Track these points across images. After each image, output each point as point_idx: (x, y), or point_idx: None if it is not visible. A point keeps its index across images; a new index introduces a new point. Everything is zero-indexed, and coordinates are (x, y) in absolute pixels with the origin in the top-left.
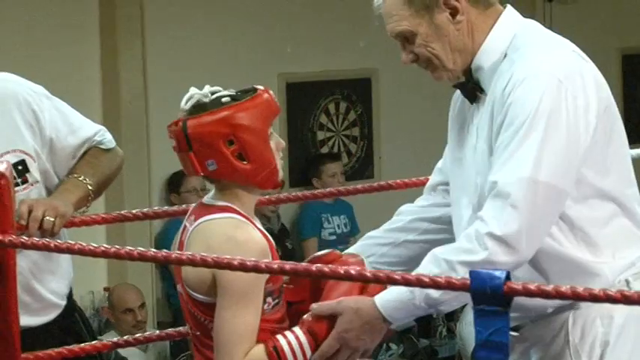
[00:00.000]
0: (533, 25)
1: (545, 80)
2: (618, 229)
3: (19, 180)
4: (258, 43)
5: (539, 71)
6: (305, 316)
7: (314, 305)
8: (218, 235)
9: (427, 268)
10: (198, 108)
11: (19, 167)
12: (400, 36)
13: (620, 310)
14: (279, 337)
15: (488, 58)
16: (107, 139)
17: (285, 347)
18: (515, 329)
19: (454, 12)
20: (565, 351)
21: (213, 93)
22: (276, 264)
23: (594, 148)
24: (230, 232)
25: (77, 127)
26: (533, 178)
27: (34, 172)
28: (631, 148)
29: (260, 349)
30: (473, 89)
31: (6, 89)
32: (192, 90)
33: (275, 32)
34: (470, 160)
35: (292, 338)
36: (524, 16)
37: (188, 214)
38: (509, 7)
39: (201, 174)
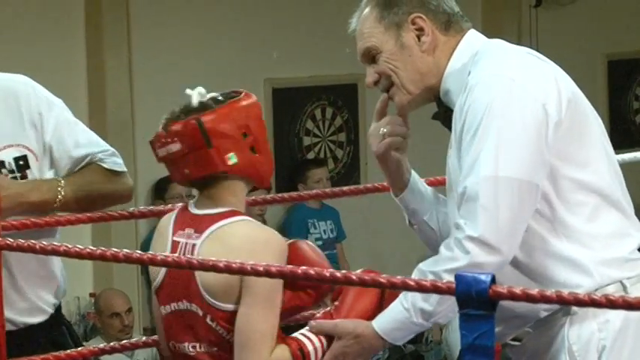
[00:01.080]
0: (496, 42)
1: (496, 81)
2: (605, 222)
3: (17, 175)
4: (245, 48)
5: (490, 74)
6: (322, 313)
7: (312, 323)
8: (240, 236)
9: None
10: (206, 105)
11: (21, 162)
12: (366, 54)
13: (617, 314)
14: (303, 339)
15: (453, 81)
16: (112, 160)
17: (311, 349)
18: (516, 339)
19: (420, 33)
20: (562, 356)
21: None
22: (261, 267)
23: (564, 140)
24: (252, 233)
25: (83, 144)
26: (495, 175)
27: (35, 170)
28: (618, 153)
29: (284, 349)
30: (447, 116)
31: (19, 89)
32: (190, 90)
33: (261, 38)
34: (448, 170)
35: (316, 342)
36: (511, 22)
37: (172, 226)
38: (472, 29)
39: (220, 171)
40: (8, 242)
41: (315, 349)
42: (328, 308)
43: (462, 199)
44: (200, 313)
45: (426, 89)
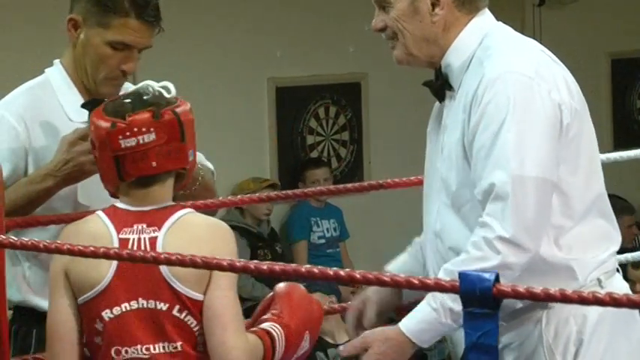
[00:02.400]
0: (504, 28)
1: (517, 79)
2: (591, 226)
3: None
4: (248, 47)
5: (510, 70)
6: (267, 315)
7: (341, 348)
8: (201, 226)
9: None
10: (169, 99)
11: None
12: (378, 1)
13: (594, 308)
14: (267, 327)
15: (457, 56)
16: None
17: (279, 335)
18: None
19: (436, 3)
20: (539, 350)
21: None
22: (265, 265)
23: (569, 144)
24: (211, 222)
25: None
26: (523, 175)
27: None
28: (621, 151)
29: (251, 334)
30: (441, 87)
31: None
32: (150, 82)
33: (265, 37)
34: (437, 156)
35: (277, 329)
36: (514, 21)
37: (112, 226)
38: (486, 10)
39: (184, 166)
40: (12, 240)
41: (278, 335)
42: (272, 312)
43: (487, 196)
44: (164, 307)
45: (428, 56)
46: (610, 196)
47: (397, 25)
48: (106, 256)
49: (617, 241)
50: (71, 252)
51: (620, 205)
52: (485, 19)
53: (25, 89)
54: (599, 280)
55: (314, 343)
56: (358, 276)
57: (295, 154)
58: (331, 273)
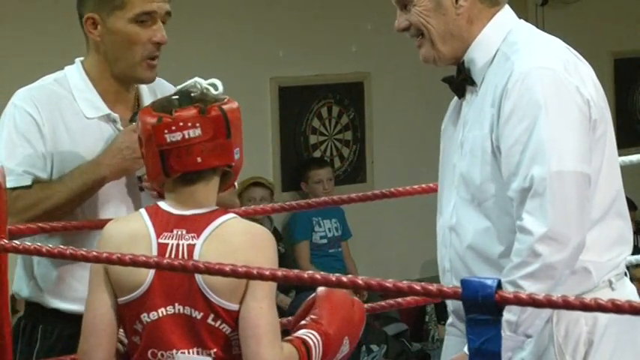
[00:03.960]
0: (527, 25)
1: (547, 74)
2: (608, 229)
3: None
4: (251, 47)
5: (540, 65)
6: (306, 320)
7: None
8: (240, 234)
9: None
10: (217, 96)
11: None
12: (400, 1)
13: None
14: (303, 335)
15: (481, 51)
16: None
17: (312, 344)
18: None
19: None
20: (549, 349)
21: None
22: (267, 271)
23: (596, 142)
24: (251, 230)
25: None
26: (562, 170)
27: None
28: (624, 151)
29: (287, 344)
30: (462, 83)
31: None
32: (198, 79)
33: (267, 36)
34: (454, 152)
35: (315, 338)
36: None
37: (153, 229)
38: (507, 6)
39: (230, 163)
40: (14, 245)
41: (315, 344)
42: (311, 317)
43: (525, 193)
44: (199, 315)
45: (452, 50)
46: None
47: (421, 21)
48: (135, 263)
49: (630, 243)
50: (74, 257)
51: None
52: (507, 14)
53: (41, 83)
54: (610, 282)
55: (354, 347)
56: (361, 282)
57: (298, 154)
58: (333, 279)
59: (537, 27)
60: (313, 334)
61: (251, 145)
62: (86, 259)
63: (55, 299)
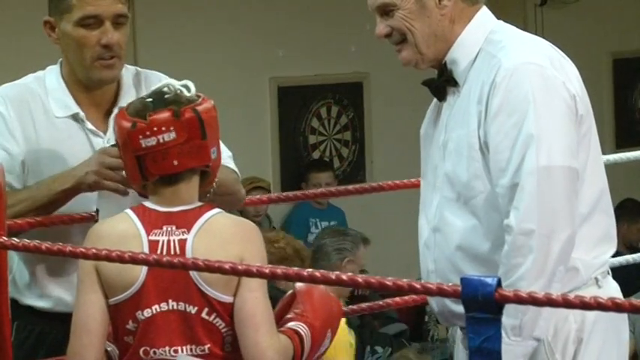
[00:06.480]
0: (507, 24)
1: (534, 69)
2: (594, 226)
3: None
4: (250, 47)
5: (527, 61)
6: (293, 314)
7: None
8: (230, 227)
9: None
10: (190, 97)
11: None
12: (381, 7)
13: None
14: (294, 326)
15: (464, 51)
16: None
17: (306, 334)
18: None
19: None
20: (539, 348)
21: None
22: (267, 269)
23: (582, 139)
24: (240, 224)
25: None
26: (550, 165)
27: None
28: (623, 151)
29: (280, 334)
30: (443, 85)
31: None
32: (171, 80)
33: (267, 36)
34: (436, 155)
35: (304, 329)
36: (516, 21)
37: (142, 227)
38: (484, 6)
39: (207, 164)
40: (14, 242)
41: (306, 335)
42: (295, 311)
43: (513, 190)
44: (193, 310)
45: (435, 52)
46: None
47: (405, 24)
48: (134, 261)
49: (615, 240)
50: (73, 254)
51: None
52: (487, 14)
53: (19, 81)
54: (596, 279)
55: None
56: (360, 280)
57: (297, 154)
58: (333, 277)
59: (536, 27)
60: (302, 326)
61: (250, 145)
62: (86, 256)
63: (30, 296)
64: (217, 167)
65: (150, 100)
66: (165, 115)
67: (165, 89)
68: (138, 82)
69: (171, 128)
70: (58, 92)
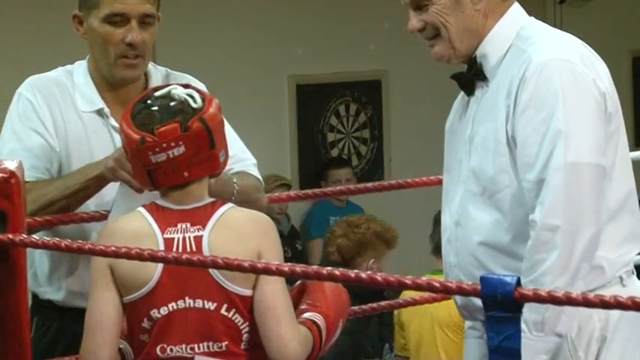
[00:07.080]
0: (538, 21)
1: (564, 66)
2: (620, 225)
3: None
4: (269, 45)
5: (557, 57)
6: (306, 305)
7: None
8: (245, 221)
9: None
10: (192, 105)
11: None
12: (415, 2)
13: None
14: (311, 317)
15: (495, 46)
16: None
17: (323, 324)
18: None
19: None
20: (563, 346)
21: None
22: (287, 267)
23: (610, 136)
24: (254, 217)
25: None
26: (578, 162)
27: None
28: None
29: (300, 325)
30: (472, 79)
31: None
32: (176, 87)
33: (285, 34)
34: (462, 149)
35: (321, 320)
36: (535, 18)
37: (156, 226)
38: (516, 2)
39: (220, 170)
40: (33, 240)
41: (323, 326)
42: (308, 302)
43: (540, 185)
44: (212, 306)
45: (468, 47)
46: None
47: (439, 19)
48: (153, 259)
49: None
50: (92, 252)
51: None
52: (519, 10)
53: (49, 73)
54: (621, 278)
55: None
56: (379, 278)
57: (316, 152)
58: (352, 275)
59: (555, 25)
60: (319, 317)
61: (269, 143)
62: (105, 254)
63: (50, 290)
64: (224, 167)
65: (155, 109)
66: (173, 128)
67: (171, 97)
68: (166, 80)
69: (180, 143)
70: (85, 87)
